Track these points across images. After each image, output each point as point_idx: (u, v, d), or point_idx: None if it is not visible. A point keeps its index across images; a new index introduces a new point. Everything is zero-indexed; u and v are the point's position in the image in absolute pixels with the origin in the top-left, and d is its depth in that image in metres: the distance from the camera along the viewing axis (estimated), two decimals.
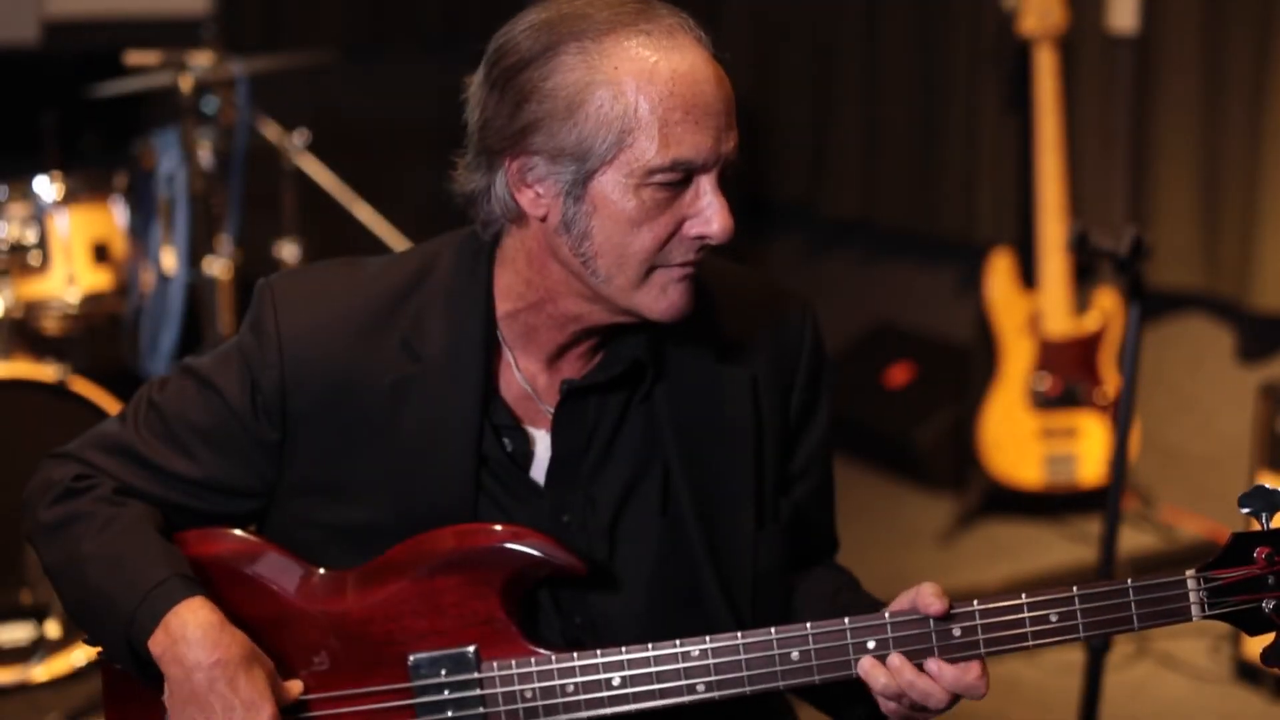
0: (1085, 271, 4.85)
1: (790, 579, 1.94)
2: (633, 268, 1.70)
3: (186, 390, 1.84)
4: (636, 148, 1.66)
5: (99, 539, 1.77)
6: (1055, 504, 4.83)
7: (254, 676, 1.70)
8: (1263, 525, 1.72)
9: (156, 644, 1.70)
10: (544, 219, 1.72)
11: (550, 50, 1.67)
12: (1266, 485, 1.72)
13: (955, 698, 1.73)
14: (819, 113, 5.78)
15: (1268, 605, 1.72)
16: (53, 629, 3.74)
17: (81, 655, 3.75)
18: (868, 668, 1.71)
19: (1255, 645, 1.77)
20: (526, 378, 1.82)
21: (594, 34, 1.67)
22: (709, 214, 1.70)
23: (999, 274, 4.80)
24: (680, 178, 1.68)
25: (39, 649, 3.74)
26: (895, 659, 1.71)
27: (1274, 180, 4.37)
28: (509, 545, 1.74)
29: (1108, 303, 4.71)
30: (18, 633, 3.74)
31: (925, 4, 5.34)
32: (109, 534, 1.77)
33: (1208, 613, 1.72)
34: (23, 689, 3.71)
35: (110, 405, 3.68)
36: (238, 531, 1.83)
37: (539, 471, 1.82)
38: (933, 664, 1.71)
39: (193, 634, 1.69)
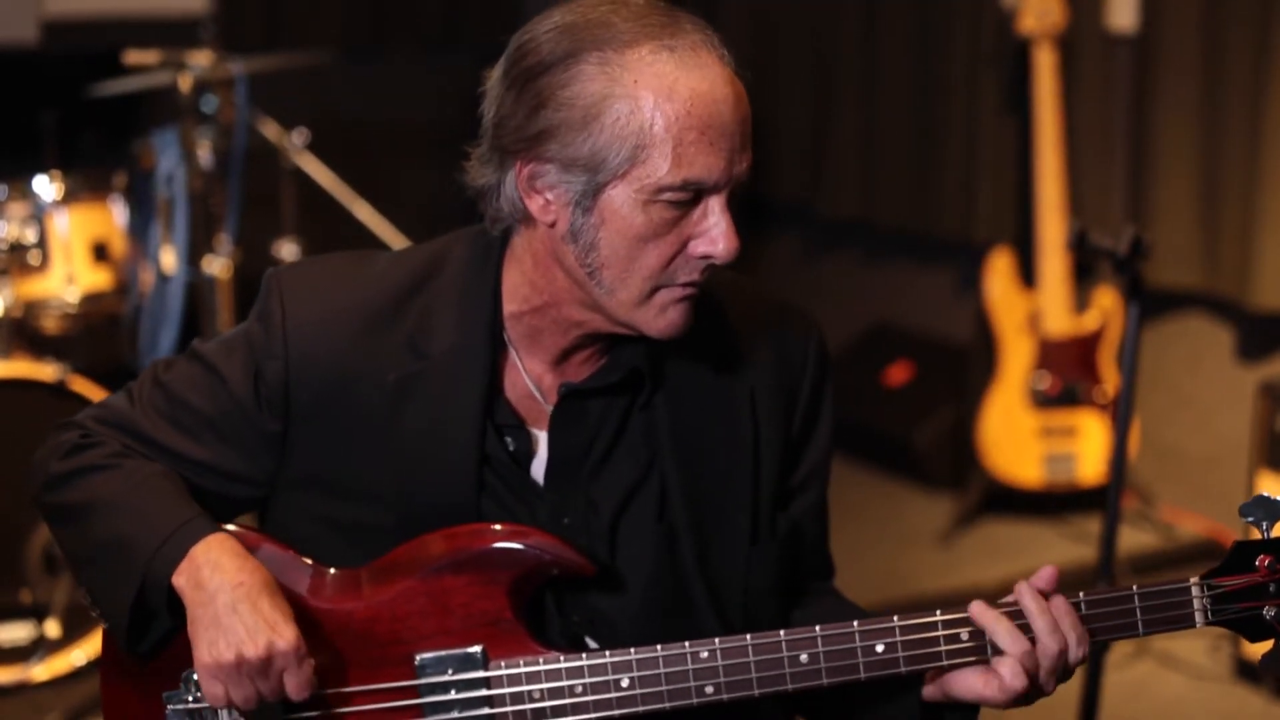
0: (1084, 270, 4.86)
1: (792, 609, 1.93)
2: (637, 284, 1.70)
3: (193, 374, 1.84)
4: (649, 164, 1.65)
5: (121, 485, 1.77)
6: (1055, 503, 4.83)
7: (277, 601, 1.70)
8: (1264, 534, 1.75)
9: (181, 573, 1.70)
10: (552, 225, 1.72)
11: (571, 57, 1.66)
12: (1267, 495, 1.74)
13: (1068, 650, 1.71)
14: (818, 112, 5.78)
15: (1269, 612, 1.75)
16: (53, 629, 3.74)
17: (81, 654, 3.75)
18: (979, 610, 1.71)
19: (1255, 645, 1.79)
20: (533, 378, 1.82)
21: (617, 45, 1.66)
22: (715, 234, 1.69)
23: (998, 273, 4.80)
24: (689, 197, 1.68)
25: (39, 648, 3.74)
26: (1023, 588, 1.71)
27: (1274, 179, 4.37)
28: (518, 545, 1.74)
29: (1107, 302, 4.72)
30: (18, 632, 3.75)
31: (924, 3, 5.35)
32: (132, 481, 1.78)
33: (1211, 619, 1.74)
34: (23, 689, 3.71)
35: None
36: (241, 528, 1.82)
37: (540, 472, 1.82)
38: (1055, 600, 1.71)
39: (218, 559, 1.70)
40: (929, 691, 1.78)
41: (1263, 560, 1.74)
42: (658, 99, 1.64)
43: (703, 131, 1.65)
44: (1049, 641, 1.70)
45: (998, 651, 1.71)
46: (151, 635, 1.76)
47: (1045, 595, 1.72)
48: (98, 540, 1.78)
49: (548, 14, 1.72)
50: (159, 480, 1.79)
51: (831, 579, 2.02)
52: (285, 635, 1.68)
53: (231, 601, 1.68)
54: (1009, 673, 1.70)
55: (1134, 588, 1.74)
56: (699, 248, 1.70)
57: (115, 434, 1.84)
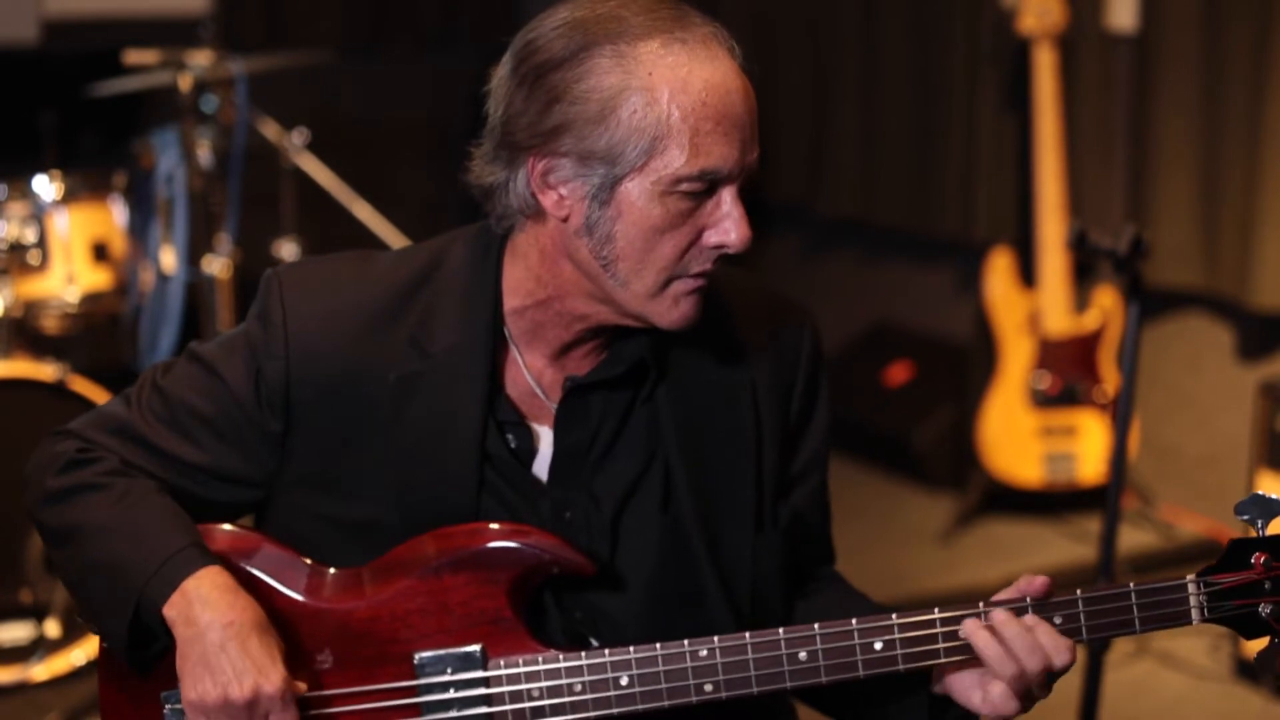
0: (1084, 270, 4.86)
1: (796, 599, 1.94)
2: (652, 275, 1.71)
3: (192, 376, 1.84)
4: (666, 155, 1.66)
5: (115, 508, 1.77)
6: (1055, 502, 4.83)
7: (265, 643, 1.70)
8: (1259, 532, 1.75)
9: (172, 606, 1.70)
10: (565, 220, 1.73)
11: (584, 51, 1.67)
12: (1262, 493, 1.75)
13: (1051, 665, 1.72)
14: (817, 112, 5.78)
15: (1264, 609, 1.75)
16: (52, 628, 3.74)
17: (81, 654, 3.75)
18: (972, 629, 1.71)
19: (1254, 645, 1.80)
20: (533, 374, 1.82)
21: (629, 38, 1.67)
22: (728, 224, 1.71)
23: (998, 273, 4.80)
24: (705, 187, 1.69)
25: (39, 648, 3.74)
26: (999, 614, 1.71)
27: (1273, 179, 4.37)
28: (517, 544, 1.74)
29: (1107, 301, 4.72)
30: (18, 632, 3.75)
31: (923, 2, 5.35)
32: (125, 503, 1.77)
33: (1207, 616, 1.75)
34: (22, 689, 3.71)
35: None
36: (240, 528, 1.83)
37: (542, 468, 1.82)
38: (1030, 618, 1.72)
39: (209, 595, 1.70)
40: (936, 686, 1.79)
41: (1259, 558, 1.75)
42: (673, 91, 1.66)
43: (718, 122, 1.67)
44: (1031, 661, 1.71)
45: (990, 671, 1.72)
46: (152, 651, 1.76)
47: (1021, 611, 1.73)
48: (90, 564, 1.77)
49: (553, 11, 1.72)
50: (153, 501, 1.78)
51: (833, 564, 2.03)
52: (272, 679, 1.68)
53: (221, 640, 1.68)
54: (999, 697, 1.72)
55: (1131, 585, 1.74)
56: (713, 238, 1.71)
57: (114, 442, 1.83)
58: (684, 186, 1.68)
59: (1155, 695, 3.91)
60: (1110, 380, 4.67)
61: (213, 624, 1.68)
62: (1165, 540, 4.66)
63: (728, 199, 1.70)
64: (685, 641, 1.72)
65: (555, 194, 1.72)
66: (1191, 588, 1.74)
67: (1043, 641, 1.71)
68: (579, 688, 1.73)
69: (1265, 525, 1.74)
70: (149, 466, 1.82)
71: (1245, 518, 1.75)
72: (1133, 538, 4.53)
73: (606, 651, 1.73)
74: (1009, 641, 1.71)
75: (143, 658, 1.76)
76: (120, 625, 1.73)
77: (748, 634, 1.73)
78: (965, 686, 1.76)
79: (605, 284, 1.73)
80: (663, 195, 1.68)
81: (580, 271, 1.74)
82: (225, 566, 1.76)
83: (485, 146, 1.77)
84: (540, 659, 1.74)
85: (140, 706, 1.78)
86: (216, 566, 1.73)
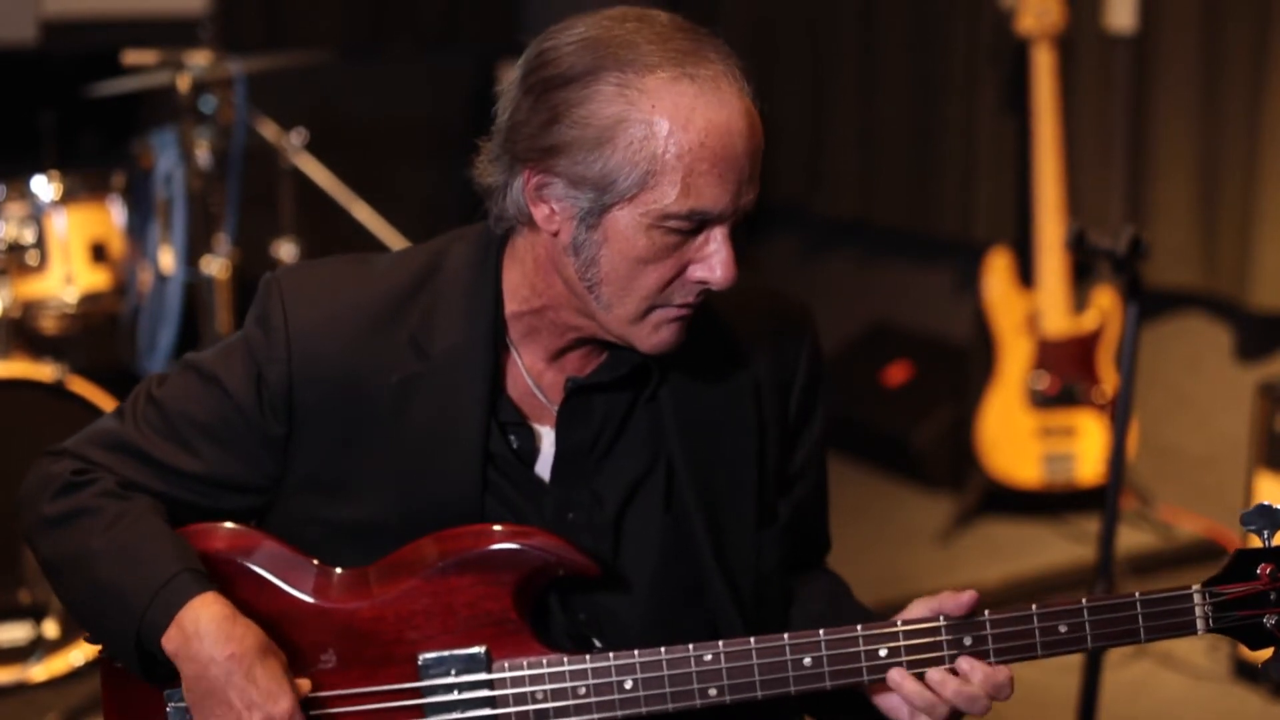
0: (1083, 270, 4.86)
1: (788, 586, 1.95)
2: (633, 303, 1.72)
3: (189, 385, 1.83)
4: (658, 190, 1.66)
5: (107, 535, 1.75)
6: (1053, 503, 4.84)
7: (270, 667, 1.70)
8: (1265, 542, 1.75)
9: (170, 641, 1.70)
10: (555, 234, 1.73)
11: (591, 74, 1.66)
12: (1268, 504, 1.75)
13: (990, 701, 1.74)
14: (816, 112, 5.78)
15: (1270, 621, 1.76)
16: (51, 629, 3.74)
17: (80, 655, 3.75)
18: (898, 678, 1.73)
19: (1255, 652, 1.80)
20: (532, 375, 1.83)
21: (638, 68, 1.65)
22: (714, 262, 1.70)
23: (997, 273, 4.81)
24: (693, 226, 1.69)
25: (37, 649, 3.74)
26: (935, 674, 1.73)
27: (1272, 179, 4.37)
28: (523, 546, 1.74)
29: (1106, 302, 4.72)
30: (16, 632, 3.75)
31: (923, 3, 5.35)
32: (117, 529, 1.76)
33: (1212, 627, 1.76)
34: (21, 689, 3.71)
35: (108, 405, 3.68)
36: (244, 526, 1.82)
37: (544, 468, 1.83)
38: (964, 663, 1.73)
39: (206, 628, 1.69)
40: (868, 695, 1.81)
41: (1264, 569, 1.75)
42: (673, 127, 1.64)
43: (714, 164, 1.66)
44: (974, 709, 1.74)
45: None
46: (169, 668, 1.75)
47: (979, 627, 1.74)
48: (90, 591, 1.76)
49: (572, 23, 1.71)
50: (145, 524, 1.77)
51: (827, 553, 2.05)
52: (281, 706, 1.68)
53: (225, 674, 1.68)
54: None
55: (1136, 594, 1.75)
56: (697, 273, 1.71)
57: (110, 459, 1.82)
58: (672, 223, 1.67)
59: (1154, 695, 3.91)
60: (1109, 380, 4.67)
61: (214, 659, 1.68)
62: (1164, 541, 4.66)
63: (718, 237, 1.70)
64: (690, 646, 1.73)
65: (547, 208, 1.72)
66: (1197, 598, 1.75)
67: (980, 692, 1.73)
68: (583, 690, 1.73)
69: (1271, 536, 1.75)
70: (147, 481, 1.81)
71: (1251, 528, 1.75)
72: (1131, 538, 4.53)
73: (611, 655, 1.73)
74: (950, 698, 1.73)
75: (160, 675, 1.75)
76: (128, 652, 1.73)
77: (752, 639, 1.73)
78: (893, 705, 1.77)
79: (589, 304, 1.73)
80: (650, 228, 1.68)
81: (569, 288, 1.75)
82: (226, 566, 1.77)
83: (491, 145, 1.77)
84: (545, 661, 1.74)
85: (144, 703, 1.78)
86: (210, 593, 1.72)
